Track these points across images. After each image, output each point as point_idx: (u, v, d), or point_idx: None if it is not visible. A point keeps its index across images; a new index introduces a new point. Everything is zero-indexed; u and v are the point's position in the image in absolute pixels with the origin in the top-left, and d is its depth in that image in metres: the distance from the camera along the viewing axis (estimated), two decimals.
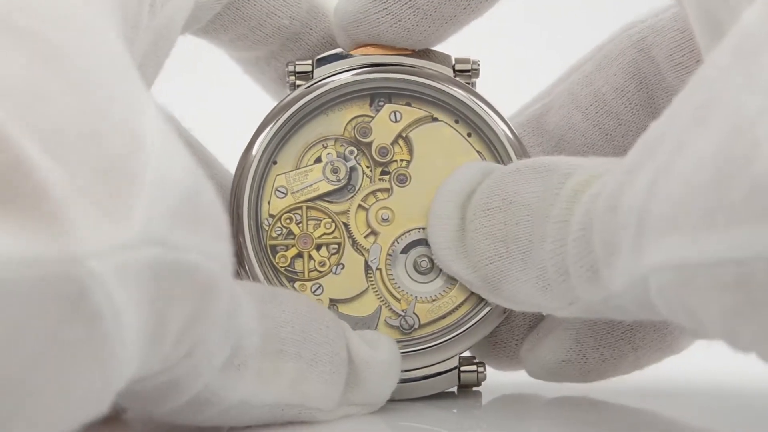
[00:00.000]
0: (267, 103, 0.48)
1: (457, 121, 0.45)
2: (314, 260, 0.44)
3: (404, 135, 0.45)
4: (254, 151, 0.44)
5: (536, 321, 0.46)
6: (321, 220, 0.44)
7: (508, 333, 0.46)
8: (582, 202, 0.37)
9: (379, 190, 0.45)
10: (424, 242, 0.44)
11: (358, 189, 0.45)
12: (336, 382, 0.40)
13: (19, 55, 0.28)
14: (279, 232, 0.44)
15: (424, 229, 0.44)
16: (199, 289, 0.31)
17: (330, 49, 0.46)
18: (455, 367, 0.44)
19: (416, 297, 0.44)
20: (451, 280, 0.44)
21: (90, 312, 0.26)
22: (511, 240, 0.40)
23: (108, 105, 0.29)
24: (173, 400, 0.35)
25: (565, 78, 0.48)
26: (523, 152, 0.44)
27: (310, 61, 0.45)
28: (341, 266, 0.44)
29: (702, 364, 0.49)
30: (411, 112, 0.45)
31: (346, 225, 0.44)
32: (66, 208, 0.26)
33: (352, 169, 0.45)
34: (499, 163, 0.44)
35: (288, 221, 0.44)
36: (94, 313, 0.27)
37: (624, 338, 0.44)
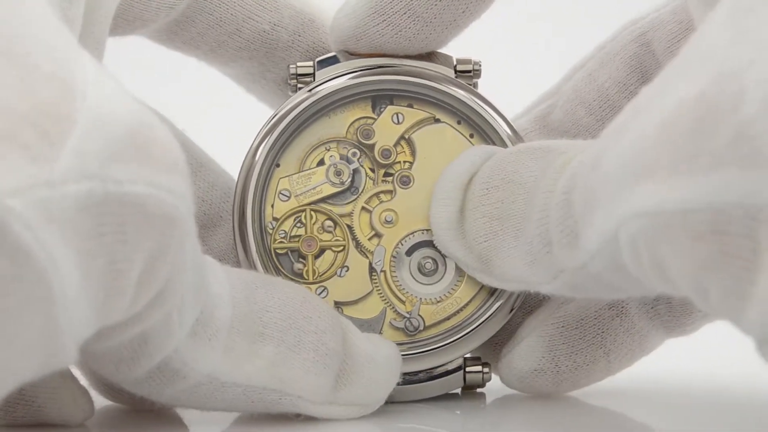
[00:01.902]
0: (269, 106, 0.48)
1: (459, 122, 0.45)
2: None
3: (407, 137, 0.45)
4: (257, 154, 0.44)
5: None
6: (325, 223, 0.44)
7: (507, 335, 0.46)
8: (568, 168, 0.37)
9: (382, 192, 0.45)
10: (428, 244, 0.44)
11: (362, 191, 0.45)
12: (320, 372, 0.39)
13: None
14: (283, 236, 0.44)
15: (428, 230, 0.44)
16: (154, 222, 0.31)
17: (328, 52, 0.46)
18: (460, 368, 0.44)
19: (421, 299, 0.44)
20: (456, 281, 0.44)
21: (14, 249, 0.27)
22: (506, 217, 0.40)
23: (35, 59, 0.29)
24: (144, 362, 0.35)
25: (570, 77, 0.48)
26: None
27: (311, 63, 0.45)
28: (346, 269, 0.44)
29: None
30: (413, 114, 0.45)
31: (349, 227, 0.44)
32: None
33: (355, 171, 0.45)
34: None
35: (291, 224, 0.44)
36: (19, 249, 0.27)
37: (595, 343, 0.44)
